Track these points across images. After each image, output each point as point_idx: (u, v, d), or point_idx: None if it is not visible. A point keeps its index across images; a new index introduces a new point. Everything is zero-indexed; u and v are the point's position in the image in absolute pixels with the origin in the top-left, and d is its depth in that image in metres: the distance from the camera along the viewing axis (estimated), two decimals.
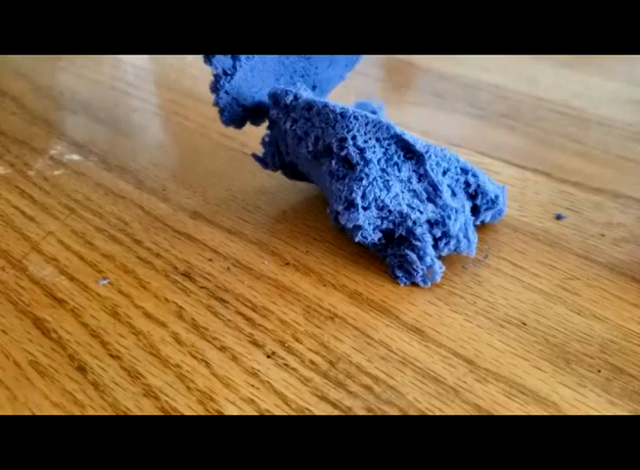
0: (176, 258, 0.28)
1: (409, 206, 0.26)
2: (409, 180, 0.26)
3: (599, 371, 0.22)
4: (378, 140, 0.26)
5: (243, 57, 0.28)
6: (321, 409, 0.21)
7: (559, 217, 0.31)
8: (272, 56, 0.28)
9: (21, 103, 0.44)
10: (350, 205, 0.26)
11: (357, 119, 0.26)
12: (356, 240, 0.26)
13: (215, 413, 0.21)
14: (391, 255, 0.26)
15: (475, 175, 0.28)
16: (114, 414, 0.20)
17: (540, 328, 0.24)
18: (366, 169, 0.26)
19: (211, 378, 0.22)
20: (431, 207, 0.26)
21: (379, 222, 0.26)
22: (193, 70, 0.49)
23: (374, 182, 0.26)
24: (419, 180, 0.26)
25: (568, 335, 0.24)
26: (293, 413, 0.21)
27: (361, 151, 0.26)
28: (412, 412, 0.21)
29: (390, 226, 0.26)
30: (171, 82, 0.47)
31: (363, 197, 0.25)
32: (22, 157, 0.36)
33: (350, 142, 0.26)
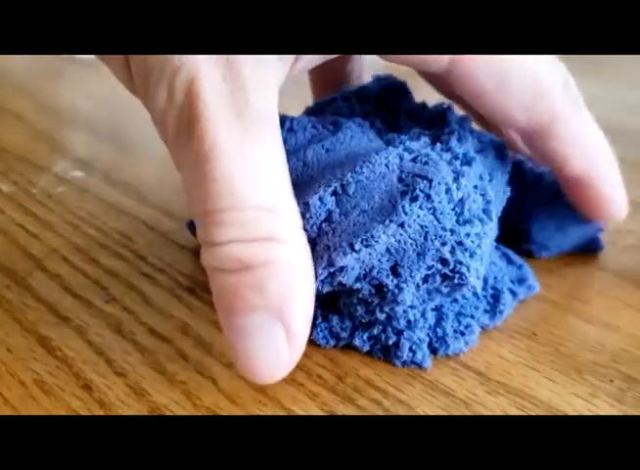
0: (180, 274, 0.27)
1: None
2: None
3: (612, 381, 0.22)
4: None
5: None
6: None
7: None
8: None
9: (23, 120, 0.44)
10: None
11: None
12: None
13: None
14: None
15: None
16: None
17: (551, 338, 0.24)
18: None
19: (218, 395, 0.22)
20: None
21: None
22: None
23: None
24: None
25: (579, 345, 0.23)
26: None
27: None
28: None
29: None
30: None
31: None
32: (27, 175, 0.36)
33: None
